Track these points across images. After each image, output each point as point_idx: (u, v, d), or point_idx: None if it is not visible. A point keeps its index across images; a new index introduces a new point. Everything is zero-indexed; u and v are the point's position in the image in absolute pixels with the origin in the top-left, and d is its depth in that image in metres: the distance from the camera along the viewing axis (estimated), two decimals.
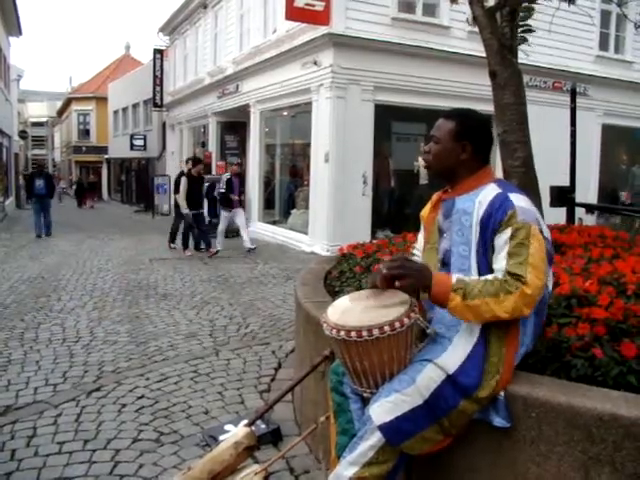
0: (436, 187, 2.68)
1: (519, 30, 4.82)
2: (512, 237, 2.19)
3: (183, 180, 12.45)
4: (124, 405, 4.20)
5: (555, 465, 2.14)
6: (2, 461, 3.38)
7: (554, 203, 6.10)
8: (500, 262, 2.20)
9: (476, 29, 5.05)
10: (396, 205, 14.00)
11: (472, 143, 2.40)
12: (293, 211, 15.01)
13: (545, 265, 2.21)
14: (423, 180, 13.68)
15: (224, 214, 12.98)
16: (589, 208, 8.83)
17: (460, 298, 2.16)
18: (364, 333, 2.19)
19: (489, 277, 2.19)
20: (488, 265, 2.26)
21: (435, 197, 2.61)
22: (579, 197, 6.63)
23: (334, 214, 12.10)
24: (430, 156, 2.47)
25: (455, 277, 2.21)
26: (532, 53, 5.18)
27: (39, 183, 15.66)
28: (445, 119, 2.46)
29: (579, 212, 7.09)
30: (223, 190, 12.65)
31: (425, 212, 2.66)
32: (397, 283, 2.23)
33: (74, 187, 38.66)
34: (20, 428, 3.82)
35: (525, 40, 4.84)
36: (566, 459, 2.11)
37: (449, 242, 2.41)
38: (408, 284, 2.24)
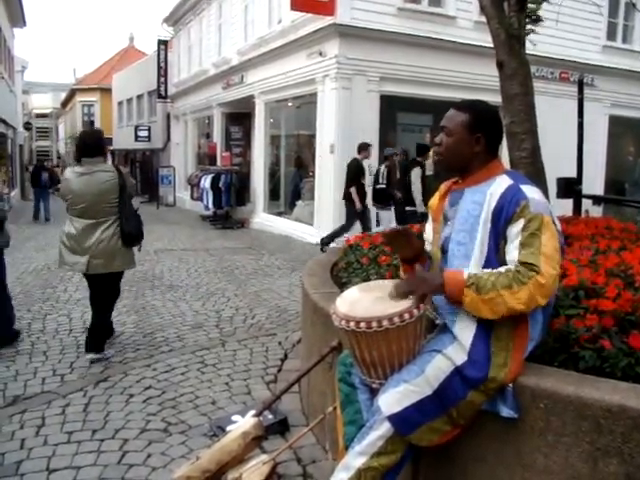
0: (442, 178, 2.67)
1: (527, 20, 4.79)
2: (524, 228, 2.18)
3: (416, 171, 10.34)
4: (131, 395, 4.23)
5: (563, 456, 2.14)
6: (12, 450, 3.42)
7: (561, 194, 6.10)
8: (512, 253, 2.19)
9: (483, 19, 5.04)
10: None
11: (486, 135, 2.38)
12: (298, 202, 15.01)
13: (559, 255, 2.20)
14: (429, 171, 13.63)
15: (383, 214, 11.02)
16: (596, 199, 8.80)
17: (474, 293, 2.15)
18: (373, 324, 2.19)
19: (501, 269, 2.18)
20: (497, 256, 2.26)
21: (444, 187, 2.60)
22: (586, 189, 6.62)
23: (339, 205, 12.07)
24: (442, 148, 2.44)
25: (466, 273, 2.20)
26: (539, 43, 5.16)
27: (44, 176, 18.56)
28: (457, 110, 2.43)
29: (586, 203, 7.08)
30: (384, 185, 10.82)
31: (433, 203, 2.65)
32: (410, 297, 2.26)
33: None
34: (29, 418, 3.85)
35: (533, 30, 4.81)
36: (574, 450, 2.12)
37: (450, 229, 2.41)
38: (420, 296, 2.26)
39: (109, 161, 7.09)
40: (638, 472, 1.99)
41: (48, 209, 18.16)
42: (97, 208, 4.96)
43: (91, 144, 5.10)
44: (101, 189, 4.96)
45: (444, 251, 2.41)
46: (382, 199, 10.93)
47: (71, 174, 5.08)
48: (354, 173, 10.66)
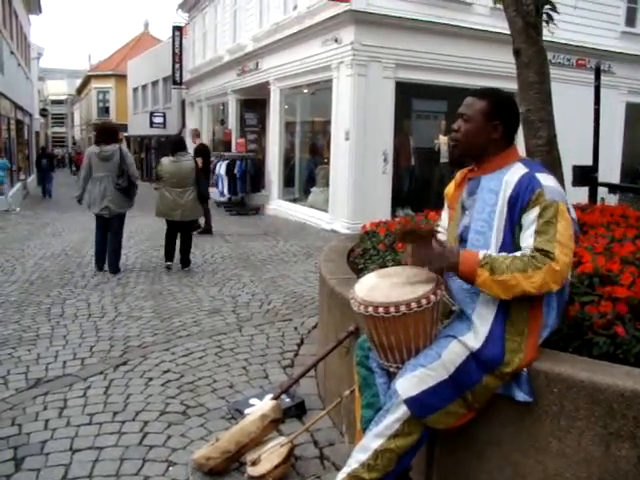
0: (457, 165, 2.69)
1: (544, 8, 4.78)
2: (540, 215, 2.21)
3: None
4: (150, 379, 4.31)
5: (576, 439, 2.18)
6: (37, 430, 3.51)
7: (577, 182, 6.08)
8: (527, 240, 2.23)
9: (499, 6, 5.02)
10: (416, 183, 13.97)
11: (503, 123, 2.41)
12: (313, 189, 15.03)
13: (573, 243, 2.24)
14: (443, 158, 13.62)
15: None
16: (612, 188, 8.74)
17: (488, 273, 2.19)
18: (391, 309, 2.24)
19: (517, 254, 2.22)
20: (513, 243, 2.29)
21: (460, 175, 2.63)
22: (602, 176, 6.60)
23: (354, 192, 12.11)
24: (460, 135, 2.46)
25: (482, 253, 2.24)
26: (556, 30, 5.12)
27: (44, 162, 23.70)
28: (476, 98, 2.46)
29: (601, 192, 7.05)
30: None
31: (449, 190, 2.68)
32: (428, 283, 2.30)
33: None
34: (51, 400, 3.94)
35: (551, 18, 4.80)
36: (587, 434, 2.16)
37: (469, 219, 2.44)
38: (434, 269, 2.31)
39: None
40: None
41: (49, 188, 23.33)
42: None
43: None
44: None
45: (463, 240, 2.44)
46: None
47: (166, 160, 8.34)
48: None
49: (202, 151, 12.69)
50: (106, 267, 8.10)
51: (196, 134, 13.78)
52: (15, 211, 16.34)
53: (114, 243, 8.11)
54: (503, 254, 2.24)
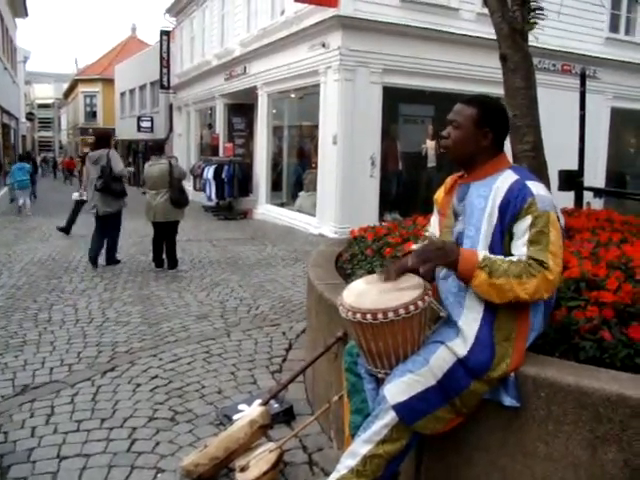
0: (444, 170, 2.71)
1: (530, 14, 4.81)
2: (532, 225, 2.23)
3: None
4: (138, 385, 4.29)
5: (563, 444, 2.20)
6: (24, 437, 3.48)
7: (563, 187, 6.13)
8: (520, 249, 2.24)
9: (485, 11, 5.05)
10: (404, 187, 14.01)
11: (493, 130, 2.42)
12: (301, 193, 15.05)
13: (562, 252, 2.26)
14: (431, 163, 13.69)
15: None
16: (597, 192, 8.83)
17: (485, 275, 2.20)
18: (379, 315, 2.24)
19: (513, 258, 2.23)
20: (502, 250, 2.31)
21: (450, 181, 2.65)
22: (587, 181, 6.65)
23: (342, 196, 12.13)
24: (450, 141, 2.47)
25: (482, 254, 2.26)
26: (541, 35, 5.16)
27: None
28: (466, 105, 2.46)
29: (587, 196, 7.11)
30: None
31: (439, 196, 2.69)
32: (421, 269, 2.29)
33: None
34: (39, 407, 3.91)
35: (536, 24, 4.83)
36: (574, 438, 2.17)
37: (462, 225, 2.46)
38: (432, 267, 2.30)
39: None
40: (636, 459, 2.05)
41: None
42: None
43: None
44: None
45: (458, 245, 2.44)
46: None
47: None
48: None
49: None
50: (102, 261, 8.89)
51: (86, 144, 14.36)
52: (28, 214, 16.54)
53: (108, 241, 8.95)
54: (501, 257, 2.26)
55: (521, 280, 2.17)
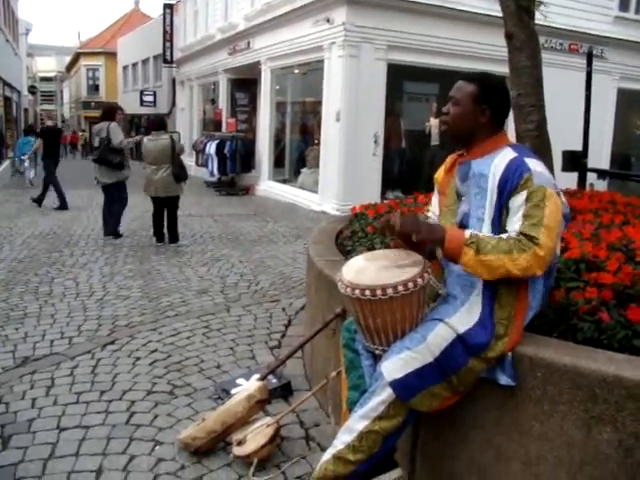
0: (447, 148, 2.69)
1: None
2: (528, 199, 2.22)
3: None
4: (138, 358, 4.31)
5: (558, 423, 2.21)
6: (24, 408, 3.51)
7: (566, 167, 6.10)
8: (514, 224, 2.23)
9: None
10: (406, 166, 13.95)
11: (492, 107, 2.41)
12: (303, 170, 14.99)
13: (559, 228, 2.25)
14: (434, 141, 13.60)
15: None
16: (601, 173, 8.78)
17: (473, 252, 2.20)
18: (378, 292, 2.25)
19: (502, 236, 2.23)
20: (501, 227, 2.30)
21: (449, 160, 2.64)
22: (591, 162, 6.61)
23: (344, 173, 12.09)
24: (449, 117, 2.47)
25: (468, 232, 2.25)
26: (549, 14, 5.10)
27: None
28: (466, 81, 2.45)
29: (591, 177, 7.08)
30: None
31: (439, 175, 2.68)
32: (413, 237, 2.28)
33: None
34: (39, 378, 3.94)
35: (542, 2, 4.78)
36: (569, 418, 2.18)
37: (468, 205, 2.44)
38: (421, 238, 2.28)
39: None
40: (630, 439, 2.06)
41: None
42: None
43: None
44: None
45: (463, 226, 2.43)
46: None
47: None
48: None
49: (46, 132, 13.44)
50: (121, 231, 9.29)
51: (47, 116, 14.77)
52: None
53: (112, 211, 9.18)
54: (489, 235, 2.26)
55: (512, 256, 2.16)
